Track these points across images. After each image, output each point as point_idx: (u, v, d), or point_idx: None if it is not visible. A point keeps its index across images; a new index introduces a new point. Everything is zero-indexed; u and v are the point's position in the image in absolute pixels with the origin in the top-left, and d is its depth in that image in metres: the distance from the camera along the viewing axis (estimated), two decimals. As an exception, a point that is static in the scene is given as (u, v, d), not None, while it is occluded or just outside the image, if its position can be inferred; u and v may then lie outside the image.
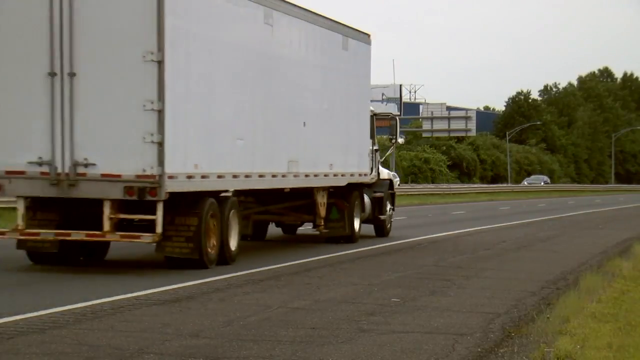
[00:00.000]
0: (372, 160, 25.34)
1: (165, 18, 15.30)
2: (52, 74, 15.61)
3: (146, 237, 15.66)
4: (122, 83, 15.49)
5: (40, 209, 16.47)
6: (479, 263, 20.06)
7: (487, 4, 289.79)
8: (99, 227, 15.64)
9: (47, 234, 16.02)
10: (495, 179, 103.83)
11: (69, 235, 15.95)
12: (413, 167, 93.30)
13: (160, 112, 15.30)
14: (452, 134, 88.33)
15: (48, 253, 16.65)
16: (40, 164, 15.71)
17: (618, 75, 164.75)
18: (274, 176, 19.57)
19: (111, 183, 15.47)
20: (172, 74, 15.52)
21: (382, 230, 26.24)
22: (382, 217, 25.83)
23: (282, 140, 20.10)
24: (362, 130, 24.39)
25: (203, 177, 16.59)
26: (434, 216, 42.24)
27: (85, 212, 16.33)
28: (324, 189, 22.48)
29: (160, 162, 15.33)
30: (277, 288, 14.93)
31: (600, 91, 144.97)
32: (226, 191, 18.21)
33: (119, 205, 15.74)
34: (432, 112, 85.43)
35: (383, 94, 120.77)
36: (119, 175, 15.46)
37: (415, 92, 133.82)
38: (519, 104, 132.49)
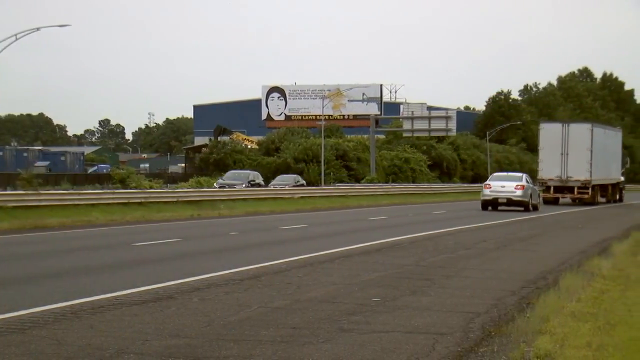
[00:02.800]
0: (620, 173, 70.08)
1: (593, 140, 60.37)
2: (562, 154, 59.71)
3: (584, 196, 60.18)
4: (581, 155, 59.41)
5: (555, 188, 60.28)
6: (460, 262, 20.08)
7: (468, 4, 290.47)
8: (573, 193, 60.39)
9: (558, 195, 60.49)
10: (475, 179, 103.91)
11: (565, 196, 60.57)
12: (394, 166, 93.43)
13: (591, 164, 59.79)
14: (432, 134, 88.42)
15: (550, 201, 59.96)
16: (557, 176, 59.84)
17: (597, 75, 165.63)
18: (603, 179, 64.04)
19: (577, 181, 60.61)
20: (593, 153, 60.17)
21: (622, 201, 68.60)
22: (621, 196, 69.52)
23: (605, 168, 64.00)
24: (618, 162, 68.99)
25: (595, 179, 61.06)
26: (415, 215, 42.35)
27: (568, 190, 60.36)
28: (609, 184, 66.32)
29: (590, 175, 59.79)
30: (258, 288, 14.92)
31: (580, 91, 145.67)
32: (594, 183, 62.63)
33: (579, 188, 59.95)
34: (412, 112, 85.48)
35: (364, 94, 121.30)
36: (579, 180, 59.73)
37: (395, 91, 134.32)
38: (499, 104, 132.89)
